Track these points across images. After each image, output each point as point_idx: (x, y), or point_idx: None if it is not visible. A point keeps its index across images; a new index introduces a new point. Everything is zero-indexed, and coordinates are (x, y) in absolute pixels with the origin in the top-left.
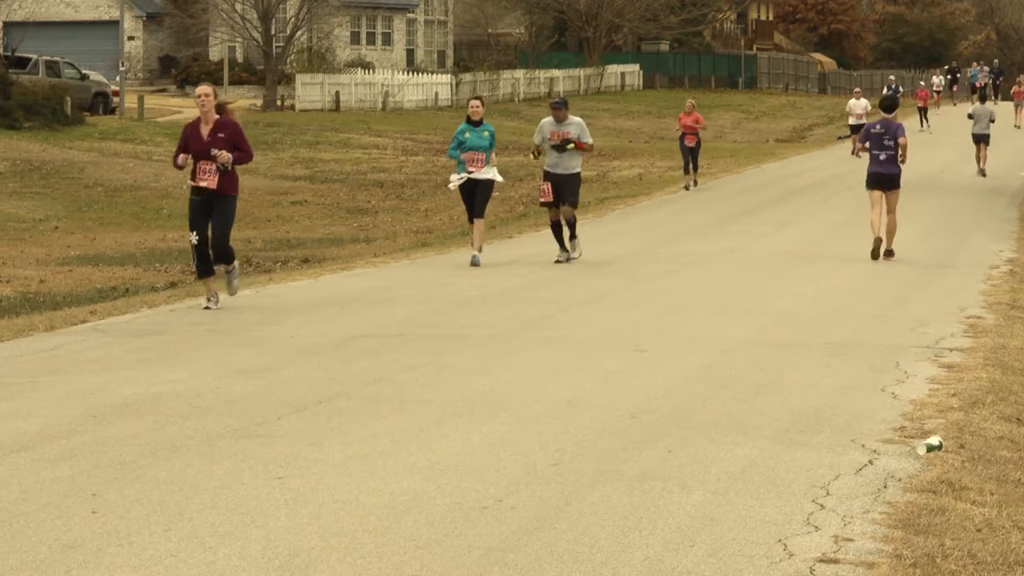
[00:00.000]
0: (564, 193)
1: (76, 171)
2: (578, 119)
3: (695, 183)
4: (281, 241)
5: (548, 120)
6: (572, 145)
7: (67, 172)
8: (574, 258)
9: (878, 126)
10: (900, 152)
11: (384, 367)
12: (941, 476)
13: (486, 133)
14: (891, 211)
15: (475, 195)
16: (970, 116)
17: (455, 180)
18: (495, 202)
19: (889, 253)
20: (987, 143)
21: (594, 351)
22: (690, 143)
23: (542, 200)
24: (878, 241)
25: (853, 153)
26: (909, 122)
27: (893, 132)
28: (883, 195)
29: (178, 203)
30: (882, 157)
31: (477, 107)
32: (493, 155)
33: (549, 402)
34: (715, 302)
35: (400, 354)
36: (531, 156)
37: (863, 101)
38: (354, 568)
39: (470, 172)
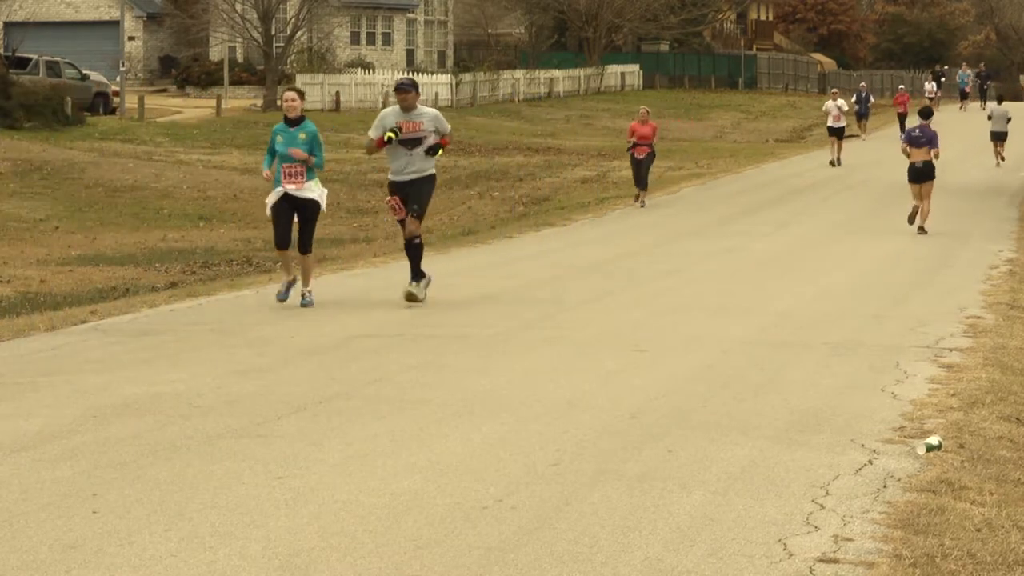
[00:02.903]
0: (410, 199)
1: (76, 171)
2: (432, 109)
3: (642, 203)
4: None
5: (391, 109)
6: (440, 151)
7: (67, 172)
8: (420, 300)
9: (917, 131)
10: (935, 153)
11: (384, 367)
12: (941, 476)
13: (303, 135)
14: (926, 197)
15: (294, 220)
16: (989, 117)
17: (270, 199)
18: (495, 202)
19: (922, 230)
20: (1004, 140)
21: (594, 351)
22: (640, 155)
23: (398, 218)
24: (921, 230)
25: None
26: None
27: (929, 137)
28: (920, 187)
29: (178, 203)
30: (920, 157)
31: (292, 101)
32: (310, 161)
33: (549, 402)
34: (715, 302)
35: (400, 354)
36: (366, 154)
37: (840, 102)
38: (354, 568)
39: (286, 187)
